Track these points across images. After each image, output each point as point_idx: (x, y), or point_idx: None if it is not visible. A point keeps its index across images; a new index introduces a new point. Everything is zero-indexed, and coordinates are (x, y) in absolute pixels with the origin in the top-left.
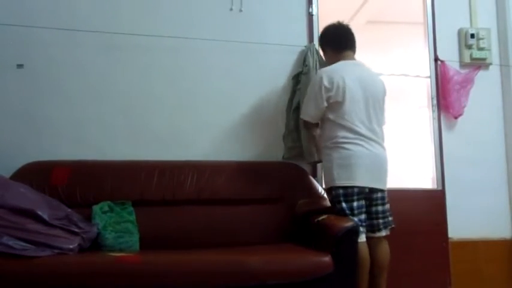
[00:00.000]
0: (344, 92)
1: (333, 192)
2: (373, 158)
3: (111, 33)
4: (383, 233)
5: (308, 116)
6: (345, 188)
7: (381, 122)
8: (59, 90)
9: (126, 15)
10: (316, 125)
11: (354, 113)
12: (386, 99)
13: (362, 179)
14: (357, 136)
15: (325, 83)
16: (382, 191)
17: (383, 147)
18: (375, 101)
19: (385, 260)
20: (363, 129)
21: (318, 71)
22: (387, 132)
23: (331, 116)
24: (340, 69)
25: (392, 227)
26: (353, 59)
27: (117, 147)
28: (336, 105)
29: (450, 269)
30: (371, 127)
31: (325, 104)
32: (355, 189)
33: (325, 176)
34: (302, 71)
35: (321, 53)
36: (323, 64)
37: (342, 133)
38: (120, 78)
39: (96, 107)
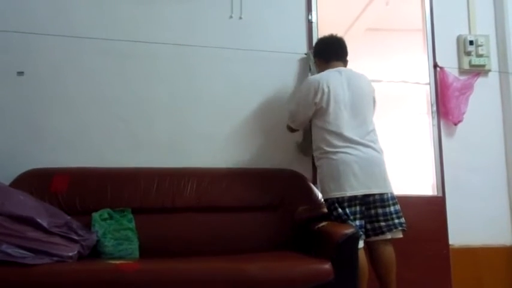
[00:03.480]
0: (329, 98)
1: (328, 200)
2: (362, 163)
3: (111, 40)
4: (387, 235)
5: (294, 122)
6: (336, 197)
7: (370, 125)
8: (59, 97)
9: (126, 22)
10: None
11: (341, 118)
12: (385, 106)
13: (352, 188)
14: (343, 143)
15: (312, 90)
16: (380, 194)
17: (375, 150)
18: (363, 104)
19: (389, 262)
20: (350, 135)
21: (305, 79)
22: (387, 139)
23: (318, 123)
24: (325, 76)
25: (403, 229)
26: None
27: (117, 155)
28: (321, 111)
29: (451, 276)
30: (359, 131)
31: (312, 111)
32: (345, 197)
33: (320, 186)
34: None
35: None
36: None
37: (329, 141)
38: (120, 85)
39: (96, 114)
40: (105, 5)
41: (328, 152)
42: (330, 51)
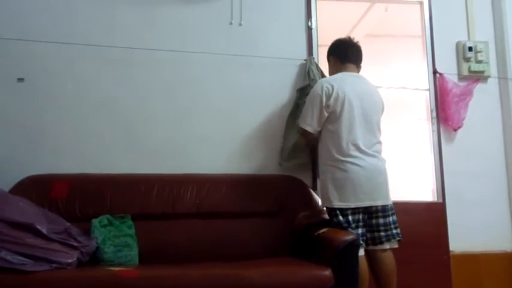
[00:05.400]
0: (343, 103)
1: (330, 208)
2: (368, 174)
3: (111, 47)
4: (386, 245)
5: (308, 125)
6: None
7: (378, 135)
8: (58, 104)
9: (126, 29)
10: (314, 137)
11: (354, 125)
12: (385, 112)
13: (358, 199)
14: (353, 153)
15: (325, 91)
16: (383, 205)
17: (380, 160)
18: (373, 114)
19: (389, 270)
20: (360, 144)
21: (319, 80)
22: (387, 144)
23: (330, 127)
24: (339, 80)
25: (400, 240)
26: (355, 72)
27: (117, 161)
28: (333, 115)
29: (452, 282)
30: (368, 140)
31: (326, 114)
32: (349, 208)
33: (320, 192)
34: (309, 84)
35: (324, 64)
36: (325, 77)
37: (339, 148)
38: (120, 92)
39: (96, 121)
40: (105, 12)
41: (337, 160)
42: (347, 53)
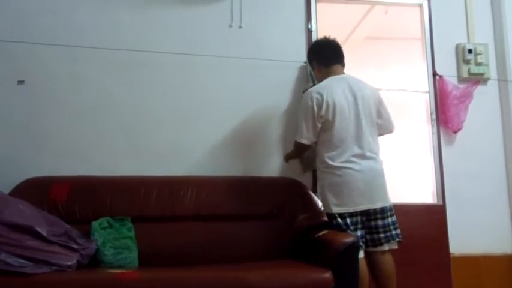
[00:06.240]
0: (334, 110)
1: (329, 213)
2: (366, 178)
3: (111, 50)
4: (385, 247)
5: (305, 138)
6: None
7: (374, 135)
8: (59, 106)
9: (127, 32)
10: (310, 147)
11: (346, 131)
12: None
13: (356, 204)
14: (347, 158)
15: (316, 102)
16: (381, 206)
17: (377, 161)
18: (367, 114)
19: (389, 272)
20: (354, 148)
21: (307, 91)
22: (387, 146)
23: (324, 135)
24: (328, 87)
25: (400, 241)
26: (341, 72)
27: (117, 163)
28: (326, 124)
29: (452, 285)
30: (363, 143)
31: (319, 124)
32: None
33: (320, 197)
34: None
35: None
36: None
37: (333, 155)
38: (119, 94)
39: (96, 123)
40: (107, 14)
41: (332, 167)
42: (329, 55)
